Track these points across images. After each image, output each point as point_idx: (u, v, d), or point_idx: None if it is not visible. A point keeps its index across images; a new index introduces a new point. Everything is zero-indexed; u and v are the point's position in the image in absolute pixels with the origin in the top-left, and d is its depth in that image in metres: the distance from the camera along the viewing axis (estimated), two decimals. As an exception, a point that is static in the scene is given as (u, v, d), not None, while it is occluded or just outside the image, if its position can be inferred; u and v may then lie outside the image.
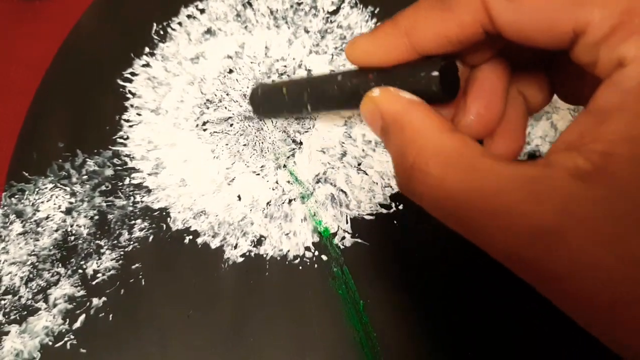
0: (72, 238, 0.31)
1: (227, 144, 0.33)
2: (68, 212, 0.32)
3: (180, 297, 0.29)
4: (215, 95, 0.35)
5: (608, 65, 0.14)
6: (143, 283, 0.29)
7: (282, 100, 0.28)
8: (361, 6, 0.38)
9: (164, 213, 0.31)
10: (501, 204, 0.14)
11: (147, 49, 0.37)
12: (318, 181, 0.32)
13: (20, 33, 0.40)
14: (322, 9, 0.38)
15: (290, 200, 0.31)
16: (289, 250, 0.30)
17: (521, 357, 0.27)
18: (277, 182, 0.32)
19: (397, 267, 0.29)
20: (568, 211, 0.13)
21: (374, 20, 0.37)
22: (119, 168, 0.33)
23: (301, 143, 0.33)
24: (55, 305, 0.29)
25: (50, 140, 0.34)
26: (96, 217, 0.32)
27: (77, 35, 0.39)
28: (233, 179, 0.32)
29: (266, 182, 0.32)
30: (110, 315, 0.29)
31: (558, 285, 0.14)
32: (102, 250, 0.30)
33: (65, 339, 0.28)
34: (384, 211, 0.31)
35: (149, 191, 0.32)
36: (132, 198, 0.32)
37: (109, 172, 0.33)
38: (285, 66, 0.36)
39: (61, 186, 0.33)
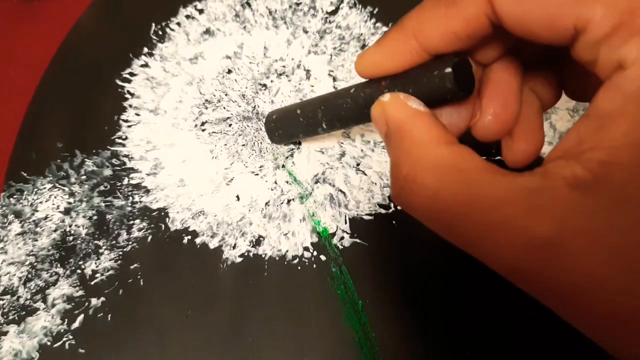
0: (71, 238, 0.31)
1: (225, 144, 0.33)
2: (67, 212, 0.32)
3: (178, 298, 0.29)
4: (214, 95, 0.35)
5: (608, 66, 0.14)
6: (142, 283, 0.29)
7: (297, 122, 0.27)
8: (360, 6, 0.38)
9: (163, 213, 0.31)
10: (498, 216, 0.14)
11: (145, 49, 0.37)
12: (317, 181, 0.32)
13: (19, 33, 0.40)
14: (320, 9, 0.38)
15: (289, 201, 0.31)
16: (287, 251, 0.30)
17: (520, 358, 0.27)
18: (275, 182, 0.32)
19: (395, 267, 0.29)
20: (567, 223, 0.13)
21: (373, 20, 0.37)
22: (118, 168, 0.33)
23: (300, 143, 0.33)
24: (53, 306, 0.29)
25: (49, 141, 0.34)
26: (95, 217, 0.31)
27: (76, 36, 0.39)
28: (232, 179, 0.32)
29: (265, 182, 0.32)
30: (109, 316, 0.29)
31: (558, 297, 0.14)
32: (100, 251, 0.30)
33: (64, 339, 0.28)
34: (383, 211, 0.31)
35: (147, 191, 0.32)
36: (130, 198, 0.32)
37: (107, 172, 0.33)
38: (284, 66, 0.36)
39: (60, 186, 0.33)
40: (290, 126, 0.29)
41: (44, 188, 0.33)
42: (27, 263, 0.30)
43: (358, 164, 0.32)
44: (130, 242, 0.31)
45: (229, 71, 0.36)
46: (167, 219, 0.31)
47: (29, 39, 0.39)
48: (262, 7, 0.38)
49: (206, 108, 0.35)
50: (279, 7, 0.38)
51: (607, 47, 0.14)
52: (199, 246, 0.30)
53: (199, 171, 0.33)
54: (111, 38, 0.38)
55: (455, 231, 0.16)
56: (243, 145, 0.33)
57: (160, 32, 0.38)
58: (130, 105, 0.35)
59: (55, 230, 0.31)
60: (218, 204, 0.31)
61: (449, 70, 0.18)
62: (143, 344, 0.28)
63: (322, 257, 0.30)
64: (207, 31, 0.38)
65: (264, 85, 0.35)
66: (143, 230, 0.31)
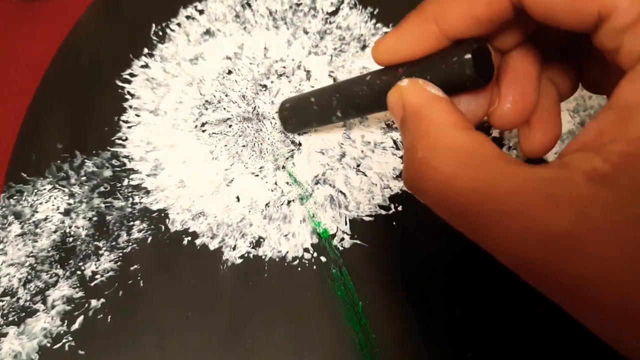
0: (71, 239, 0.31)
1: (226, 145, 0.33)
2: (66, 213, 0.32)
3: (179, 299, 0.29)
4: (214, 96, 0.35)
5: (632, 55, 0.14)
6: (142, 284, 0.29)
7: (311, 110, 0.27)
8: (360, 7, 0.38)
9: (163, 214, 0.31)
10: (513, 205, 0.14)
11: (146, 50, 0.37)
12: (317, 182, 0.32)
13: (19, 33, 0.40)
14: (321, 10, 0.38)
15: (289, 202, 0.31)
16: (287, 252, 0.30)
17: (521, 359, 0.27)
18: (276, 184, 0.32)
19: (396, 268, 0.29)
20: (585, 216, 0.13)
21: (373, 21, 0.37)
22: (118, 169, 0.33)
23: (300, 144, 0.33)
24: (53, 307, 0.29)
25: (49, 141, 0.34)
26: (95, 219, 0.31)
27: (76, 36, 0.39)
28: (232, 180, 0.32)
29: (265, 183, 0.32)
30: (109, 317, 0.29)
31: (570, 292, 0.14)
32: (100, 252, 0.30)
33: (64, 340, 0.28)
34: (383, 212, 0.31)
35: (147, 192, 0.32)
36: (130, 199, 0.32)
37: (107, 173, 0.33)
38: (284, 67, 0.36)
39: (60, 187, 0.33)
40: (304, 114, 0.28)
41: (44, 189, 0.33)
42: (26, 264, 0.30)
43: (358, 165, 0.32)
44: (130, 243, 0.31)
45: (229, 72, 0.36)
46: (167, 220, 0.31)
47: (29, 39, 0.39)
48: (263, 8, 0.38)
49: (206, 109, 0.35)
50: (279, 7, 0.38)
51: (632, 35, 0.13)
52: (199, 247, 0.30)
53: (199, 172, 0.33)
54: (111, 38, 0.38)
55: (466, 218, 0.15)
56: (243, 146, 0.33)
57: (160, 33, 0.38)
58: (131, 106, 0.35)
59: (55, 232, 0.31)
60: (218, 205, 0.31)
61: (468, 56, 0.17)
62: (143, 345, 0.28)
63: (323, 259, 0.29)
64: (208, 32, 0.38)
65: (264, 86, 0.35)
66: (143, 232, 0.31)
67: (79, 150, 0.34)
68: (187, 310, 0.29)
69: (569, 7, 0.15)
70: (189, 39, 0.37)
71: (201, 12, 0.39)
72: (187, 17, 0.38)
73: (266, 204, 0.31)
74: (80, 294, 0.29)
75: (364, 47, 0.36)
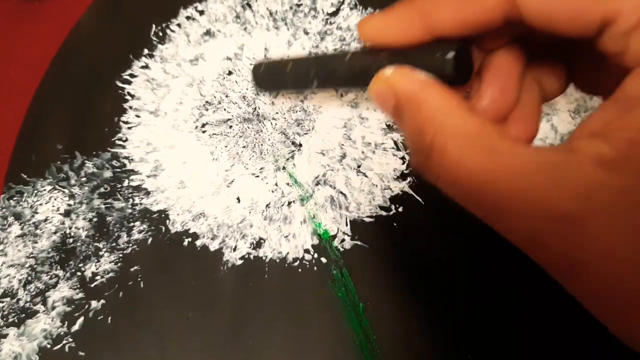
0: (71, 240, 0.31)
1: (226, 146, 0.33)
2: (67, 214, 0.32)
3: (179, 300, 0.29)
4: (215, 97, 0.35)
5: (638, 55, 0.14)
6: (142, 285, 0.29)
7: (287, 78, 0.27)
8: (361, 7, 0.38)
9: (163, 215, 0.31)
10: (522, 186, 0.14)
11: (146, 51, 0.37)
12: (317, 183, 0.32)
13: (19, 33, 0.40)
14: (321, 11, 0.38)
15: (289, 203, 0.31)
16: (288, 253, 0.30)
17: (521, 360, 0.27)
18: (276, 184, 0.32)
19: (396, 269, 0.29)
20: (590, 198, 0.13)
21: (374, 21, 0.37)
22: (118, 170, 0.33)
23: (300, 145, 0.33)
24: (53, 308, 0.29)
25: (49, 142, 0.34)
26: (95, 220, 0.31)
27: (76, 37, 0.39)
28: (232, 181, 0.32)
29: (265, 184, 0.32)
30: (109, 318, 0.29)
31: (574, 272, 0.14)
32: (100, 253, 0.30)
33: (64, 341, 0.28)
34: (384, 213, 0.31)
35: (147, 193, 0.32)
36: (131, 200, 0.32)
37: (107, 174, 0.33)
38: (284, 68, 0.36)
39: (60, 188, 0.32)
40: (279, 80, 0.29)
41: (44, 190, 0.32)
42: (27, 265, 0.30)
43: (359, 166, 0.32)
44: (131, 245, 0.31)
45: (230, 73, 0.36)
46: (168, 221, 0.31)
47: (29, 39, 0.39)
48: (263, 9, 0.38)
49: (206, 110, 0.35)
50: (279, 8, 0.38)
51: (637, 36, 0.14)
52: (199, 248, 0.30)
53: (199, 173, 0.33)
54: (111, 39, 0.38)
55: (477, 200, 0.16)
56: (244, 147, 0.33)
57: (160, 34, 0.38)
58: (131, 107, 0.35)
59: (55, 233, 0.31)
60: (218, 206, 0.31)
61: (450, 56, 0.18)
62: (143, 346, 0.28)
63: (323, 260, 0.29)
64: (208, 32, 0.38)
65: (265, 86, 0.35)
66: (143, 233, 0.31)
67: (79, 151, 0.34)
68: (188, 311, 0.29)
69: (571, 16, 0.15)
70: (189, 39, 0.37)
71: (201, 12, 0.38)
72: (188, 18, 0.38)
73: (267, 205, 0.31)
74: (81, 295, 0.29)
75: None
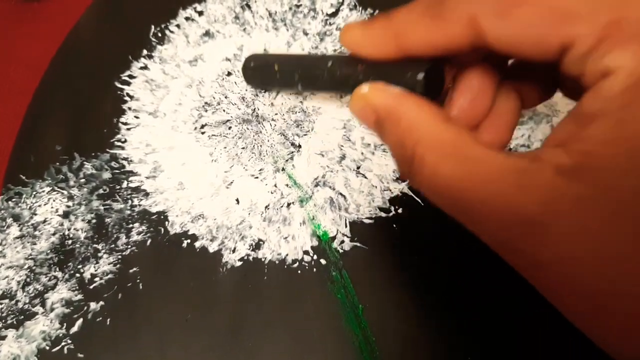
0: (70, 242, 0.31)
1: (225, 147, 0.33)
2: (65, 215, 0.32)
3: (178, 301, 0.29)
4: (214, 98, 0.35)
5: (594, 76, 0.15)
6: (141, 287, 0.29)
7: (274, 77, 0.28)
8: (360, 8, 0.38)
9: (162, 217, 0.31)
10: (490, 193, 0.15)
11: (145, 52, 0.37)
12: (317, 184, 0.32)
13: (19, 33, 0.40)
14: (321, 11, 0.38)
15: (288, 204, 0.31)
16: (287, 254, 0.30)
17: (521, 362, 0.27)
18: (275, 186, 0.32)
19: (396, 271, 0.29)
20: (551, 204, 0.14)
21: (373, 22, 0.37)
22: (117, 171, 0.33)
23: (300, 146, 0.33)
24: (52, 310, 0.29)
25: (48, 143, 0.34)
26: (94, 221, 0.31)
27: (76, 37, 0.39)
28: (231, 183, 0.32)
29: (265, 185, 0.32)
30: (108, 320, 0.29)
31: (540, 273, 0.15)
32: (99, 254, 0.30)
33: (63, 343, 0.28)
34: (383, 215, 0.30)
35: (146, 194, 0.32)
36: (129, 201, 0.32)
37: (106, 175, 0.33)
38: (284, 69, 0.36)
39: (59, 189, 0.32)
40: (267, 78, 0.31)
41: (43, 191, 0.32)
42: (25, 267, 0.30)
43: (358, 167, 0.32)
44: (130, 246, 0.31)
45: (229, 73, 0.36)
46: (167, 222, 0.31)
47: (29, 39, 0.39)
48: (262, 9, 0.38)
49: (206, 111, 0.35)
50: (279, 9, 0.38)
51: (592, 59, 0.15)
52: (198, 250, 0.30)
53: (198, 174, 0.33)
54: (111, 40, 0.38)
55: (454, 206, 0.17)
56: (243, 148, 0.33)
57: (159, 34, 0.38)
58: (130, 108, 0.35)
59: (54, 234, 0.31)
60: (218, 207, 0.31)
61: (420, 76, 0.19)
62: (142, 347, 0.28)
63: (322, 261, 0.29)
64: (207, 33, 0.38)
65: (264, 87, 0.35)
66: (142, 234, 0.31)
67: (77, 152, 0.34)
68: (187, 313, 0.28)
69: (532, 43, 0.16)
70: (189, 40, 0.37)
71: (200, 13, 0.38)
72: (187, 19, 0.38)
73: (266, 207, 0.31)
74: (80, 296, 0.29)
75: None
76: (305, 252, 0.30)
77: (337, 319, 0.28)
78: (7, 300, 0.29)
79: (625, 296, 0.14)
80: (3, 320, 0.29)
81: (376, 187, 0.31)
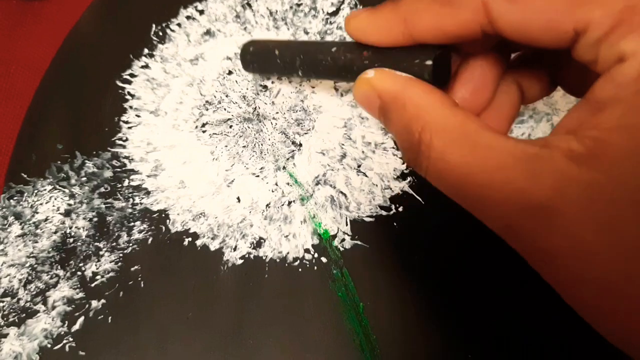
0: (71, 240, 0.31)
1: (226, 146, 0.33)
2: (67, 214, 0.32)
3: (179, 299, 0.29)
4: (215, 96, 0.35)
5: (608, 62, 0.14)
6: (142, 285, 0.29)
7: (274, 62, 0.28)
8: (361, 7, 0.38)
9: (163, 215, 0.31)
10: (499, 178, 0.15)
11: (146, 50, 0.37)
12: (318, 183, 0.32)
13: (19, 34, 0.40)
14: (321, 10, 0.38)
15: (289, 202, 0.31)
16: (288, 252, 0.30)
17: (521, 360, 0.27)
18: (276, 184, 0.32)
19: (397, 269, 0.29)
20: (562, 190, 0.14)
21: (374, 21, 0.37)
22: (118, 170, 0.33)
23: (301, 145, 0.33)
24: (54, 308, 0.29)
25: (49, 142, 0.34)
26: (95, 219, 0.31)
27: (76, 36, 0.39)
28: (232, 181, 0.32)
29: (266, 183, 0.32)
30: (110, 318, 0.29)
31: (547, 260, 0.15)
32: (101, 252, 0.30)
33: (64, 341, 0.28)
34: (384, 213, 0.31)
35: (148, 193, 0.32)
36: (131, 200, 0.32)
37: (107, 173, 0.33)
38: (284, 67, 0.36)
39: (60, 188, 0.32)
40: (266, 64, 0.30)
41: (44, 190, 0.32)
42: (27, 265, 0.30)
43: (359, 166, 0.32)
44: (131, 244, 0.31)
45: (230, 72, 0.36)
46: (168, 220, 0.31)
47: (29, 40, 0.39)
48: (263, 8, 0.38)
49: (207, 109, 0.35)
50: (279, 8, 0.38)
51: (607, 44, 0.14)
52: (199, 248, 0.30)
53: (199, 173, 0.33)
54: (111, 39, 0.38)
55: (460, 191, 0.17)
56: (244, 146, 0.33)
57: (160, 33, 0.38)
58: (131, 107, 0.35)
59: (55, 232, 0.31)
60: (219, 205, 0.31)
61: (429, 62, 0.18)
62: (143, 345, 0.28)
63: (323, 259, 0.29)
64: (208, 32, 0.38)
65: (265, 86, 0.35)
66: (143, 232, 0.31)
67: (79, 150, 0.34)
68: (188, 311, 0.29)
69: (545, 28, 0.15)
70: (190, 39, 0.37)
71: (201, 12, 0.38)
72: (188, 18, 0.38)
73: (267, 205, 0.31)
74: (81, 294, 0.29)
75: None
76: (306, 251, 0.30)
77: (338, 317, 0.28)
78: (8, 298, 0.29)
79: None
80: (5, 318, 0.29)
81: (377, 185, 0.31)
